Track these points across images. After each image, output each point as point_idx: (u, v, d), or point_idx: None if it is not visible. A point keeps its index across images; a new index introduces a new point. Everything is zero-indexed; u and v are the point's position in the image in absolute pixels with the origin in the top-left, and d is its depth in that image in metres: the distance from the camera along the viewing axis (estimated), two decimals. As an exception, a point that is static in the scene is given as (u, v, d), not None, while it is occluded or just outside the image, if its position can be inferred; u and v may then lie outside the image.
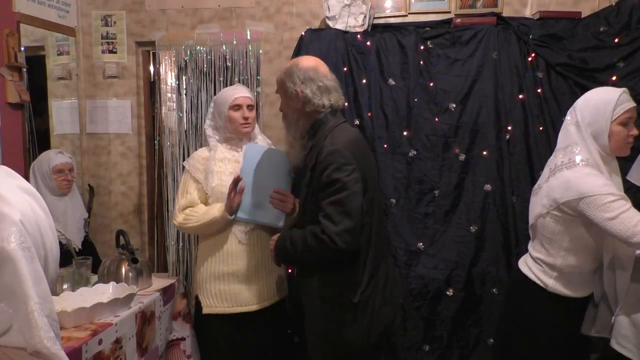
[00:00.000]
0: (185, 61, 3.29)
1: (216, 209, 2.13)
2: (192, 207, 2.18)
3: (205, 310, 2.18)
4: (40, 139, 3.03)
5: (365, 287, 1.81)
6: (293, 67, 1.91)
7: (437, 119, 2.90)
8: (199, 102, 3.27)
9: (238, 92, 2.25)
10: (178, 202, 2.21)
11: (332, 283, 1.81)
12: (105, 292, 2.04)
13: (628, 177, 2.33)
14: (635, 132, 1.90)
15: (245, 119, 2.22)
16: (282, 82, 1.92)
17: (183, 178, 2.24)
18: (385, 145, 2.91)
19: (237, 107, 2.21)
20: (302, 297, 1.96)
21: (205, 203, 2.20)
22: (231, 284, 2.17)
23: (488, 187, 2.85)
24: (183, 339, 2.38)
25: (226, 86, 3.02)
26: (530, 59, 2.83)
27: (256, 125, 2.38)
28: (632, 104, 1.89)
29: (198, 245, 2.31)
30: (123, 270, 2.22)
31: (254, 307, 2.20)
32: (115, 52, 3.39)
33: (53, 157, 2.72)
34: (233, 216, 2.12)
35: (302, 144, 1.91)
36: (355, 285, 1.81)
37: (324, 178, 1.72)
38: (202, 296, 2.20)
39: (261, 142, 2.36)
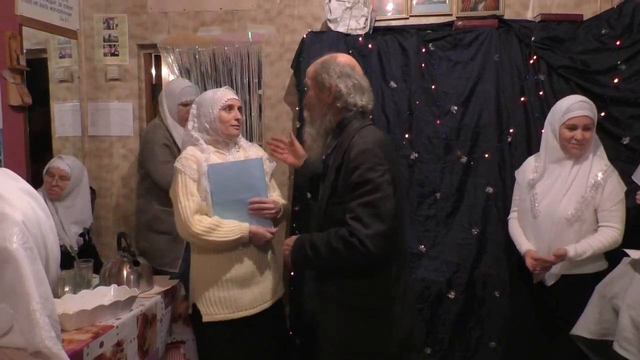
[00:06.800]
0: (187, 64, 3.29)
1: (244, 229, 2.12)
2: (210, 220, 2.08)
3: (205, 319, 2.15)
4: (42, 142, 3.04)
5: (389, 294, 1.75)
6: (330, 60, 1.83)
7: (438, 122, 2.90)
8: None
9: (229, 94, 2.22)
10: (184, 206, 2.07)
11: (356, 290, 1.73)
12: (106, 294, 2.03)
13: (633, 178, 2.35)
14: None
15: (237, 120, 2.20)
16: (316, 74, 1.82)
17: (180, 179, 2.11)
18: (386, 148, 2.91)
19: (229, 107, 2.19)
20: (318, 304, 1.87)
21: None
22: (230, 289, 2.15)
23: (490, 189, 2.85)
24: (183, 342, 2.37)
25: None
26: (531, 61, 2.83)
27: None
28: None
29: (191, 253, 2.26)
30: (124, 272, 2.21)
31: (254, 311, 2.18)
32: (117, 55, 3.40)
33: (53, 160, 2.74)
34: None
35: (325, 142, 1.84)
36: (381, 292, 1.74)
37: (354, 178, 1.63)
38: (200, 304, 2.17)
39: (244, 145, 2.32)
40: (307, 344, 2.93)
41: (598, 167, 2.29)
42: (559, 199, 2.30)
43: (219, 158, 2.18)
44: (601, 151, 2.36)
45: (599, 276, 2.17)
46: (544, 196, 2.35)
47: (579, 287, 2.22)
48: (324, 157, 1.90)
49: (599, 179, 2.26)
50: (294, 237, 1.87)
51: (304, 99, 1.91)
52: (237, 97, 2.25)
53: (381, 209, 1.61)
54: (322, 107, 1.82)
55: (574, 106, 2.31)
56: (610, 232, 2.24)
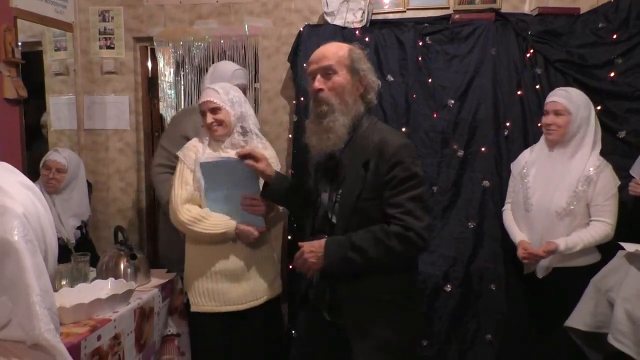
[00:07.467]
0: (184, 57, 3.28)
1: (230, 225, 2.11)
2: (199, 210, 2.12)
3: (193, 309, 2.18)
4: (37, 135, 3.03)
5: (419, 288, 1.76)
6: (356, 49, 1.76)
7: (435, 116, 2.90)
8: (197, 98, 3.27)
9: (202, 97, 2.21)
10: (177, 193, 2.14)
11: (399, 286, 1.71)
12: (103, 288, 2.03)
13: (631, 172, 2.36)
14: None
15: (209, 125, 2.17)
16: (351, 60, 1.72)
17: (179, 168, 2.19)
18: (383, 142, 2.90)
19: (202, 113, 2.19)
20: (350, 303, 1.73)
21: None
22: (219, 282, 2.16)
23: (486, 183, 2.85)
24: (178, 335, 2.37)
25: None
26: (528, 55, 2.83)
27: (252, 122, 2.28)
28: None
29: (185, 243, 2.27)
30: (121, 266, 2.21)
31: (242, 307, 2.19)
32: (113, 48, 3.38)
33: (49, 153, 2.73)
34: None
35: (344, 134, 1.71)
36: (414, 286, 1.75)
37: (398, 172, 1.61)
38: (190, 294, 2.20)
39: (257, 144, 2.28)
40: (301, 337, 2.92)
41: (591, 161, 2.30)
42: (551, 193, 2.32)
43: (217, 154, 2.19)
44: (597, 146, 2.36)
45: (592, 269, 2.18)
46: (537, 189, 2.37)
47: (572, 279, 2.24)
48: (329, 151, 1.76)
49: (591, 173, 2.27)
50: (316, 243, 1.71)
51: (328, 83, 1.71)
52: (208, 99, 2.17)
53: (426, 202, 1.65)
54: (353, 95, 1.73)
55: (551, 93, 2.42)
56: (602, 227, 2.26)
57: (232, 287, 2.17)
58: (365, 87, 1.74)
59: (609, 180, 2.28)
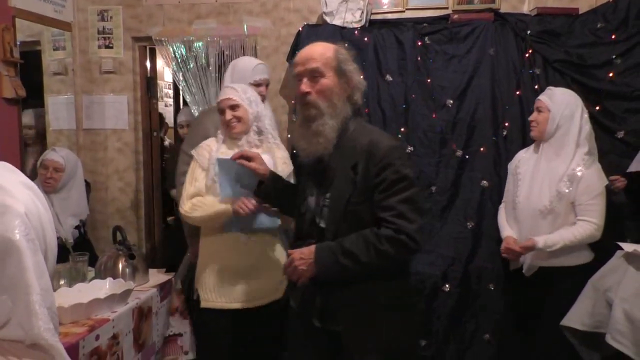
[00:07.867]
0: (183, 56, 3.28)
1: (224, 204, 2.13)
2: (199, 197, 2.17)
3: (202, 304, 2.20)
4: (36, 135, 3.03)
5: (416, 289, 1.75)
6: (341, 49, 1.72)
7: (434, 115, 2.90)
8: (196, 97, 3.26)
9: (221, 96, 2.25)
10: (186, 190, 2.20)
11: (393, 288, 1.68)
12: (102, 288, 2.03)
13: (629, 170, 2.37)
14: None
15: (228, 121, 2.19)
16: (338, 61, 1.68)
17: (191, 166, 2.24)
18: (382, 142, 2.90)
19: (221, 111, 2.22)
20: (347, 309, 1.68)
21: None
22: (229, 280, 2.18)
23: (485, 183, 2.86)
24: (180, 334, 2.38)
25: (221, 82, 2.96)
26: (527, 55, 2.83)
27: (267, 122, 2.29)
28: None
29: (201, 240, 2.29)
30: (120, 266, 2.21)
31: (250, 304, 2.20)
32: (112, 48, 3.37)
33: (46, 152, 2.73)
34: (232, 229, 2.15)
35: (333, 137, 1.68)
36: (410, 287, 1.76)
37: (389, 175, 1.58)
38: (201, 290, 2.21)
39: (273, 146, 2.29)
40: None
41: (576, 161, 2.29)
42: (536, 191, 2.33)
43: (232, 151, 2.20)
44: (584, 146, 2.33)
45: (583, 268, 2.19)
46: (523, 187, 2.39)
47: (562, 279, 2.25)
48: (318, 155, 1.72)
49: (575, 172, 2.26)
50: (305, 249, 1.66)
51: (315, 86, 1.67)
52: (227, 96, 2.20)
53: (419, 203, 1.63)
54: (341, 97, 1.69)
55: None
56: (586, 226, 2.24)
57: (240, 285, 2.18)
58: (352, 89, 1.72)
59: (594, 180, 2.26)
